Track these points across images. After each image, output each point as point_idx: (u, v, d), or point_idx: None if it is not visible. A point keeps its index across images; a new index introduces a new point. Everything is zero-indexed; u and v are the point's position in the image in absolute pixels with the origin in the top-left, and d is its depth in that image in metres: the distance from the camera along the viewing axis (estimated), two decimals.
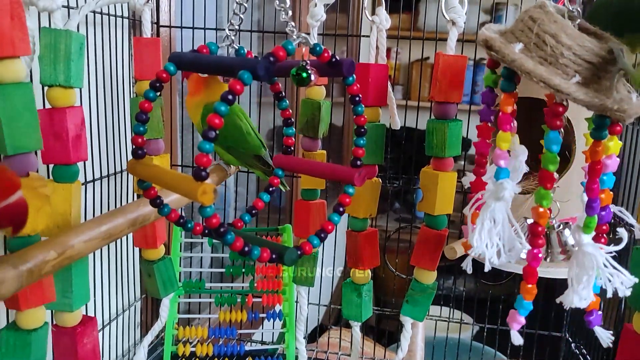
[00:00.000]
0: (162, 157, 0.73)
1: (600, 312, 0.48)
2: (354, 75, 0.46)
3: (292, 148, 0.57)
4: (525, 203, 0.57)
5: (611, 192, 0.47)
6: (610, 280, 0.44)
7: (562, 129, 0.53)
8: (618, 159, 0.47)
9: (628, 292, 0.45)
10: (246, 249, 0.41)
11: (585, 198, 0.46)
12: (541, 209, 0.45)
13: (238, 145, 0.71)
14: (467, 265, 0.52)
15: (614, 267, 0.44)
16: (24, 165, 0.48)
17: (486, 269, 0.47)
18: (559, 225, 0.56)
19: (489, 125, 0.50)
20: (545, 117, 0.54)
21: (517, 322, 0.46)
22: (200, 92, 0.68)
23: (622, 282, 0.44)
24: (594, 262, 0.44)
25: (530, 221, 0.55)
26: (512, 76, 0.46)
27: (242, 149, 0.72)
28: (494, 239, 0.45)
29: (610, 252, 0.45)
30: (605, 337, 0.48)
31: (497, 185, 0.45)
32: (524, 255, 0.47)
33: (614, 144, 0.46)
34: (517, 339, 0.46)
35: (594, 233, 0.46)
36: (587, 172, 0.47)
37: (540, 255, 0.45)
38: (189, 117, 0.74)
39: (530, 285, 0.46)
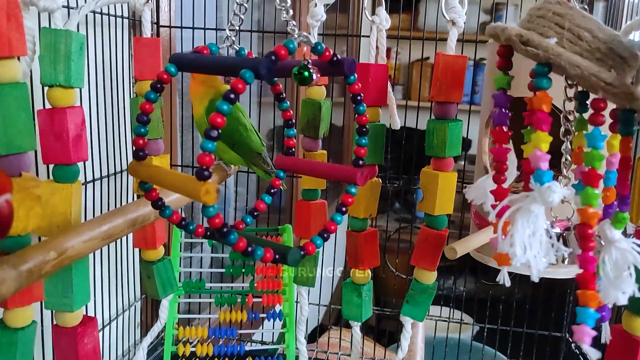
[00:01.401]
0: (162, 157, 0.73)
1: (610, 307, 0.46)
2: (356, 74, 0.46)
3: (294, 149, 0.57)
4: None
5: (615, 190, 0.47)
6: None
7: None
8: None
9: None
10: (249, 249, 0.41)
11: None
12: (591, 210, 0.43)
13: (243, 142, 0.72)
14: (504, 278, 0.49)
15: None
16: (17, 165, 0.48)
17: (535, 279, 0.44)
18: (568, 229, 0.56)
19: (504, 129, 0.48)
20: (525, 120, 0.53)
21: (587, 336, 0.42)
22: (208, 82, 0.69)
23: None
24: (630, 258, 0.42)
25: (547, 224, 0.55)
26: (548, 72, 0.44)
27: (246, 146, 0.72)
28: (535, 246, 0.43)
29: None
30: (608, 333, 0.46)
31: (544, 189, 0.42)
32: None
33: (616, 142, 0.45)
34: (594, 354, 0.43)
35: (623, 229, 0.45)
36: (584, 170, 0.46)
37: (594, 257, 0.43)
38: (188, 116, 0.74)
39: (590, 292, 0.42)
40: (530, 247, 0.43)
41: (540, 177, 0.43)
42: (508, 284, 0.48)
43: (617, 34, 0.44)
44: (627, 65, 0.43)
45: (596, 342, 0.44)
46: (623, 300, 0.43)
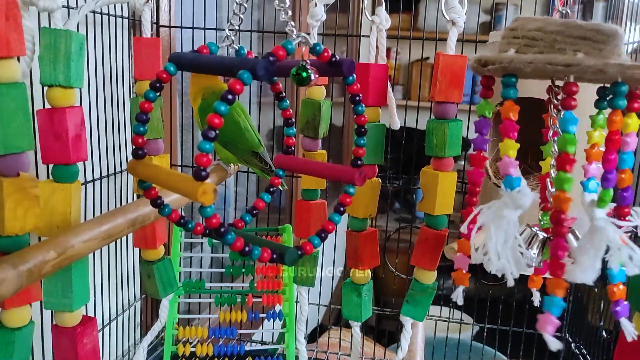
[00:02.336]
0: (161, 157, 0.73)
1: (626, 303, 0.44)
2: (354, 75, 0.46)
3: (293, 148, 0.57)
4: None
5: (631, 172, 0.45)
6: (630, 259, 0.42)
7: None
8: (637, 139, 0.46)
9: (637, 270, 0.42)
10: (246, 249, 0.41)
11: (585, 197, 0.46)
12: (563, 195, 0.42)
13: (236, 141, 0.72)
14: (458, 297, 0.51)
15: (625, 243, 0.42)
16: (14, 165, 0.48)
17: (510, 284, 0.44)
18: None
19: (482, 154, 0.49)
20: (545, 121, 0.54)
21: (551, 325, 0.41)
22: (201, 82, 0.69)
23: (630, 257, 0.42)
24: (605, 237, 0.41)
25: (535, 229, 0.55)
26: (515, 82, 0.45)
27: (240, 145, 0.72)
28: (508, 252, 0.43)
29: (629, 231, 0.43)
30: (630, 330, 0.44)
31: (514, 194, 0.42)
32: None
33: (632, 122, 0.44)
34: (555, 345, 0.42)
35: (607, 209, 0.43)
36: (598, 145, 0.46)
37: (565, 244, 0.42)
38: (188, 116, 0.74)
39: (559, 280, 0.42)
40: (503, 253, 0.43)
41: (510, 182, 0.43)
42: (460, 302, 0.49)
43: (575, 20, 0.44)
44: (601, 43, 0.44)
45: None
46: (585, 279, 0.41)
